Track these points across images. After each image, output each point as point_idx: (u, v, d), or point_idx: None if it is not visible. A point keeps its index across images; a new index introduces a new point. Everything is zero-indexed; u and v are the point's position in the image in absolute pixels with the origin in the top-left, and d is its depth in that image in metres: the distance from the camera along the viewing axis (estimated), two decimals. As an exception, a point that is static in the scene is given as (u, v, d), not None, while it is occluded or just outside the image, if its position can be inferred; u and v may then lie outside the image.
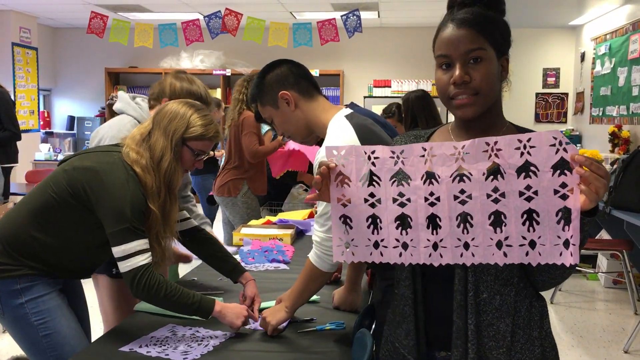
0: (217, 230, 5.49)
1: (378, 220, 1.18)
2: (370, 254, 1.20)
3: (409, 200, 1.15)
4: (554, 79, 7.71)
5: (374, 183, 1.17)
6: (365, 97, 8.01)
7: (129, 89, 8.49)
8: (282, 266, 2.69)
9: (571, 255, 1.07)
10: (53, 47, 8.78)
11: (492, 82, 1.23)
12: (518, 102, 7.66)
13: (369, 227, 1.19)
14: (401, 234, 1.16)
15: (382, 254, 1.19)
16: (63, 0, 6.81)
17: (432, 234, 1.14)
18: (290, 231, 3.16)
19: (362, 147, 1.18)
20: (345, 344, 1.76)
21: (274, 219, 3.61)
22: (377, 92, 8.16)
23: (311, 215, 3.63)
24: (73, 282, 2.08)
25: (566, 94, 7.73)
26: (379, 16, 7.48)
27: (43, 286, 1.86)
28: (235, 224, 4.15)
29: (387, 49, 8.42)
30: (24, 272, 1.83)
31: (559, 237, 1.07)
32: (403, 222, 1.17)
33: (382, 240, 1.18)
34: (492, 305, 1.22)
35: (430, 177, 1.13)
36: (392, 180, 1.16)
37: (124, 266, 1.77)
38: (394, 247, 1.17)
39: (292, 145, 4.32)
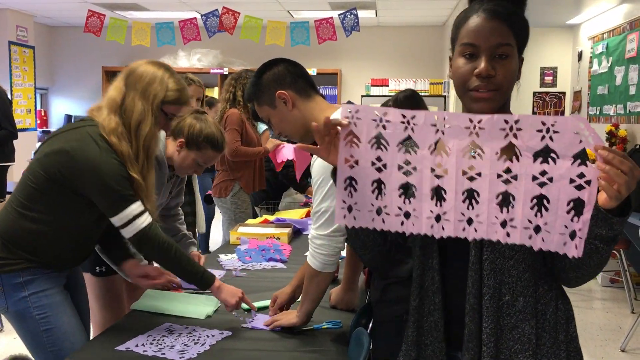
0: (216, 229, 5.50)
1: (383, 185, 1.15)
2: (372, 220, 1.17)
3: (414, 169, 1.12)
4: (551, 78, 7.71)
5: (381, 147, 1.14)
6: (362, 96, 8.00)
7: (126, 87, 8.48)
8: (280, 265, 2.68)
9: (575, 247, 1.03)
10: (50, 46, 8.76)
11: (512, 80, 1.22)
12: (515, 101, 7.62)
13: (373, 191, 1.16)
14: (404, 202, 1.14)
15: (383, 221, 1.16)
16: (60, -1, 6.80)
17: (436, 205, 1.11)
18: (287, 230, 3.15)
19: (374, 108, 1.14)
20: (342, 342, 1.76)
21: (271, 217, 3.60)
22: (374, 91, 8.14)
23: (308, 215, 3.63)
24: (76, 277, 2.10)
25: (563, 93, 7.73)
26: (376, 15, 7.47)
27: (45, 280, 1.88)
28: (225, 224, 4.04)
29: (385, 48, 8.41)
30: (24, 265, 1.85)
31: (566, 226, 1.03)
32: (407, 190, 1.14)
33: (384, 206, 1.15)
34: (515, 307, 1.19)
35: (439, 148, 1.10)
36: (399, 146, 1.13)
37: (127, 232, 1.82)
38: (396, 215, 1.15)
39: (285, 156, 4.14)
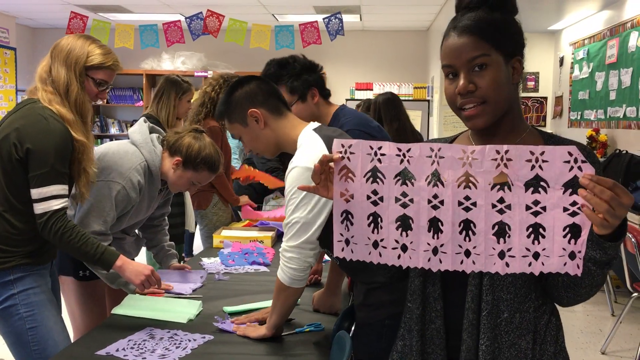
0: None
1: (379, 219, 1.15)
2: (369, 254, 1.17)
3: (411, 201, 1.11)
4: (533, 83, 7.79)
5: (377, 180, 1.14)
6: (347, 99, 8.01)
7: (110, 90, 8.40)
8: (263, 268, 2.68)
9: (577, 266, 1.02)
10: (32, 48, 8.67)
11: (500, 88, 1.18)
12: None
13: (369, 225, 1.16)
14: (401, 235, 1.13)
15: (380, 255, 1.16)
16: (42, 0, 6.72)
17: (433, 238, 1.11)
18: (271, 233, 3.15)
19: (369, 142, 1.14)
20: (325, 345, 1.76)
21: (255, 221, 3.59)
22: (359, 95, 8.17)
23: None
24: (55, 281, 2.09)
25: (545, 98, 7.81)
26: (361, 19, 7.50)
27: (35, 278, 1.91)
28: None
29: (369, 52, 8.44)
30: (16, 262, 1.87)
31: (564, 249, 1.03)
32: (404, 223, 1.13)
33: (381, 240, 1.15)
34: (513, 324, 1.18)
35: (435, 179, 1.10)
36: (397, 178, 1.12)
37: (38, 208, 1.86)
38: (393, 249, 1.14)
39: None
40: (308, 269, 1.72)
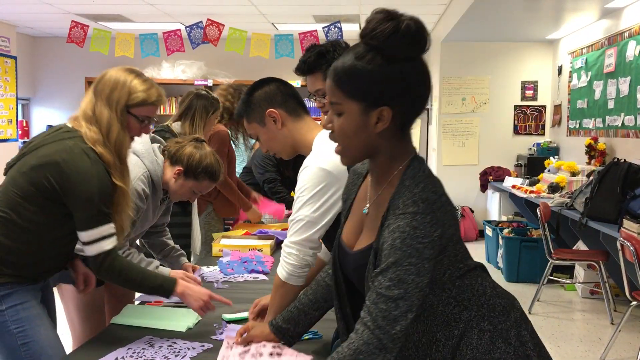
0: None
1: None
2: None
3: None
4: (532, 91, 7.82)
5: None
6: (346, 108, 8.03)
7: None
8: (262, 277, 2.68)
9: None
10: (32, 56, 8.70)
11: (348, 138, 1.21)
12: (497, 114, 7.75)
13: None
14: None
15: None
16: (43, 9, 6.76)
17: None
18: (269, 242, 3.15)
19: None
20: (323, 354, 1.76)
21: (253, 229, 3.60)
22: (358, 103, 8.17)
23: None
24: (48, 291, 2.07)
25: (544, 107, 7.84)
26: (360, 28, 7.53)
27: (23, 294, 1.86)
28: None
29: (368, 61, 8.45)
30: (4, 280, 1.82)
31: None
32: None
33: None
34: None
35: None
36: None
37: (90, 250, 1.83)
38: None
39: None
40: (306, 267, 1.75)
